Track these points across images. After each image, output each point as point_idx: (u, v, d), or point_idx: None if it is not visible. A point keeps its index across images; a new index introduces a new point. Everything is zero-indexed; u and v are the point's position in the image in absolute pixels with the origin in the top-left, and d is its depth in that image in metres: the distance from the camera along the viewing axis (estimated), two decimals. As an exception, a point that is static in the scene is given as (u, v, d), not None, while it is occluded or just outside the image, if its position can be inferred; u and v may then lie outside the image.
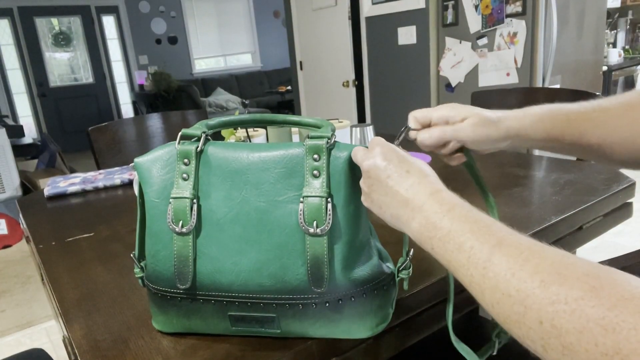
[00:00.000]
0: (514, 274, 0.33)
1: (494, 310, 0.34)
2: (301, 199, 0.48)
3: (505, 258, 0.34)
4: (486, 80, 2.63)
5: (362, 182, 0.48)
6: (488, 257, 0.35)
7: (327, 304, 0.50)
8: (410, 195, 0.44)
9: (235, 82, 7.32)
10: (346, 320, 0.51)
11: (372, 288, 0.51)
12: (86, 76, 6.69)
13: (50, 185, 1.25)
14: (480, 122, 0.58)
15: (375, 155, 0.47)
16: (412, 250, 0.54)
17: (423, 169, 0.46)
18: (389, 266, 0.54)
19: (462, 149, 0.60)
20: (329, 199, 0.48)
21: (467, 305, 0.68)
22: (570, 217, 0.80)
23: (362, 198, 0.49)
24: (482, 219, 0.40)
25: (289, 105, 6.69)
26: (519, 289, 0.32)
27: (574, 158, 1.26)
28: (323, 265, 0.48)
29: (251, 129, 1.18)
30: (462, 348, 0.52)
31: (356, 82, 3.41)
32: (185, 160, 0.52)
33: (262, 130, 1.19)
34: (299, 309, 0.50)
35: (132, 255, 0.57)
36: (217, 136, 0.68)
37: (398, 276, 0.54)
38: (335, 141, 0.50)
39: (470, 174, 0.61)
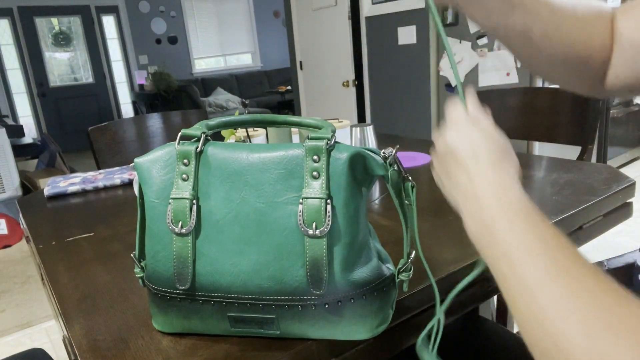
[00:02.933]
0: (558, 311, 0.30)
1: (525, 337, 0.32)
2: (300, 200, 0.48)
3: (556, 289, 0.31)
4: (486, 80, 2.63)
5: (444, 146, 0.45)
6: (537, 285, 0.32)
7: (327, 306, 0.50)
8: (478, 191, 0.41)
9: (235, 82, 7.32)
10: (346, 322, 0.51)
11: (371, 289, 0.51)
12: (86, 76, 6.69)
13: (50, 185, 1.25)
14: None
15: (473, 134, 0.43)
16: (413, 252, 0.54)
17: (503, 156, 0.43)
18: (388, 267, 0.54)
19: None
20: (329, 201, 0.48)
21: (467, 305, 0.68)
22: (570, 217, 0.80)
23: (435, 162, 0.47)
24: (545, 235, 0.36)
25: (289, 105, 6.69)
26: (557, 332, 0.29)
27: (574, 158, 1.26)
28: (322, 267, 0.48)
29: (251, 129, 1.18)
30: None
31: (356, 82, 3.41)
32: (185, 161, 0.52)
33: (262, 131, 1.19)
34: (298, 311, 0.50)
35: (132, 255, 0.57)
36: (217, 136, 0.68)
37: (398, 278, 0.54)
38: (335, 142, 0.50)
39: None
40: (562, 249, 0.34)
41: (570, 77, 0.59)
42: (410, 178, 0.52)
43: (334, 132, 0.51)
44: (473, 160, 0.43)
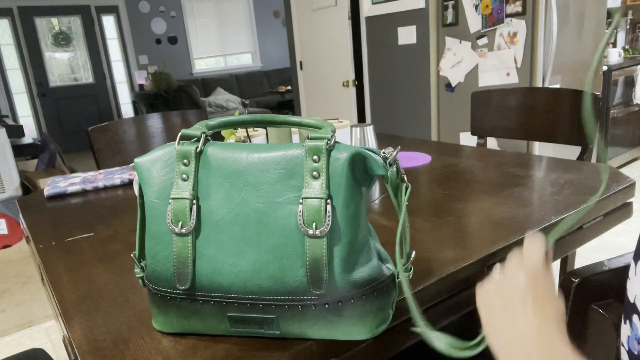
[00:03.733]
0: None
1: None
2: (300, 200, 0.48)
3: None
4: (486, 80, 2.63)
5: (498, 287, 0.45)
6: None
7: (327, 306, 0.50)
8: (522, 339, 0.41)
9: (235, 82, 7.32)
10: (346, 322, 0.51)
11: (371, 290, 0.51)
12: (86, 76, 6.69)
13: (50, 185, 1.25)
14: None
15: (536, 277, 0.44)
16: (413, 252, 0.54)
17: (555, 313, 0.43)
18: (388, 267, 0.54)
19: None
20: (329, 201, 0.48)
21: (467, 305, 0.68)
22: (570, 217, 0.80)
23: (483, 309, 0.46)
24: None
25: (289, 105, 6.69)
26: None
27: (574, 158, 1.26)
28: (322, 267, 0.48)
29: (251, 129, 1.18)
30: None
31: (356, 82, 3.41)
32: (185, 161, 0.52)
33: (262, 131, 1.19)
34: (298, 311, 0.50)
35: (132, 255, 0.57)
36: (217, 136, 0.68)
37: (398, 278, 0.54)
38: (335, 142, 0.50)
39: None
40: None
41: None
42: (405, 179, 0.52)
43: (334, 132, 0.51)
44: (530, 305, 0.42)
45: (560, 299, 0.44)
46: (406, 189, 0.52)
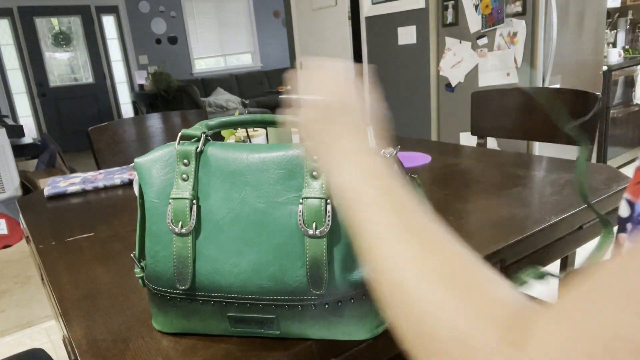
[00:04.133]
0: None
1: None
2: (300, 200, 0.48)
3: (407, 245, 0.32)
4: (486, 80, 2.63)
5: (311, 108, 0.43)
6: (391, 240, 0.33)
7: (327, 306, 0.50)
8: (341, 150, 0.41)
9: (235, 82, 7.32)
10: (346, 322, 0.51)
11: (372, 290, 0.51)
12: (86, 76, 6.69)
13: (50, 185, 1.25)
14: None
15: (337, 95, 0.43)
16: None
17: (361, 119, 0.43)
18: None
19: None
20: (329, 201, 0.48)
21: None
22: (570, 217, 0.80)
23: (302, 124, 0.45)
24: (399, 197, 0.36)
25: (289, 105, 6.67)
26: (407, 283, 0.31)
27: (574, 158, 1.26)
28: (322, 267, 0.48)
29: (251, 129, 1.18)
30: None
31: (356, 82, 3.41)
32: (185, 161, 0.52)
33: (262, 130, 1.19)
34: (298, 311, 0.50)
35: (132, 255, 0.57)
36: (217, 136, 0.68)
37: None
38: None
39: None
40: (412, 210, 0.35)
41: None
42: (414, 176, 0.52)
43: None
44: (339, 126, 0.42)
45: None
46: (419, 185, 0.52)
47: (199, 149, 0.52)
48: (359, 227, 0.36)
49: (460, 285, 0.29)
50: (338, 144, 0.41)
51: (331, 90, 0.44)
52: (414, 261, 0.31)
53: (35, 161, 3.67)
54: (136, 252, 0.57)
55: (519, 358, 0.23)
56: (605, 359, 0.20)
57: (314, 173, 0.49)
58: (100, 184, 1.24)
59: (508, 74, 2.52)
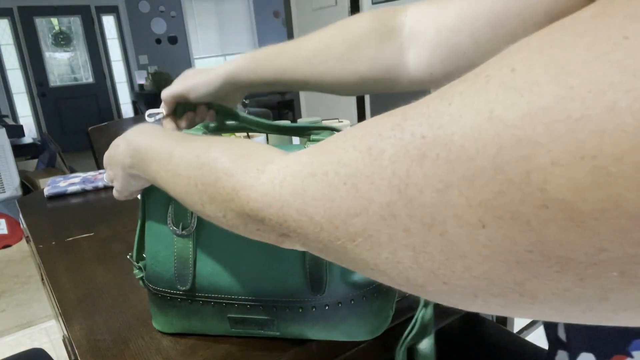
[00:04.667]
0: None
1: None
2: (301, 201, 0.48)
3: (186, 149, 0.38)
4: (486, 80, 2.63)
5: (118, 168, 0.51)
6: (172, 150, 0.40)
7: (327, 307, 0.50)
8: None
9: (235, 82, 7.31)
10: (346, 323, 0.51)
11: (371, 290, 0.51)
12: (86, 76, 6.69)
13: (50, 185, 1.25)
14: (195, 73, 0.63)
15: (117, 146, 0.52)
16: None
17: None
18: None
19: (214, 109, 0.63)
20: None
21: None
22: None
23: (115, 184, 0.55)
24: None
25: (289, 105, 6.68)
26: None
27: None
28: (322, 269, 0.48)
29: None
30: None
31: (356, 82, 3.41)
32: (185, 161, 0.52)
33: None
34: (298, 312, 0.50)
35: (128, 256, 0.57)
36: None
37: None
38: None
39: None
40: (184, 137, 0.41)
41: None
42: None
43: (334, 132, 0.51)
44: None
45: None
46: None
47: (199, 150, 0.52)
48: (162, 174, 0.41)
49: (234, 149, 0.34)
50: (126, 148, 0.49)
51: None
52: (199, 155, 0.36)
53: (35, 161, 3.67)
54: (134, 253, 0.57)
55: (259, 178, 0.29)
56: (322, 180, 0.24)
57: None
58: (100, 184, 1.24)
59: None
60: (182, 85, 0.63)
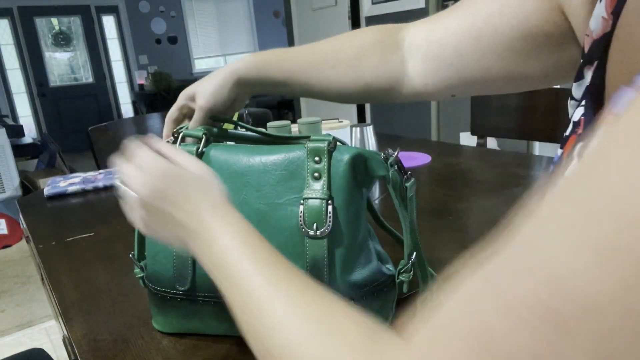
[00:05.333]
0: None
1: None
2: (301, 201, 0.48)
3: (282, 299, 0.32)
4: (486, 80, 2.62)
5: (138, 207, 0.41)
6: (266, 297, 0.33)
7: (327, 305, 0.50)
8: (191, 221, 0.39)
9: (235, 82, 7.31)
10: (346, 322, 0.51)
11: (371, 290, 0.51)
12: (86, 76, 6.69)
13: (50, 185, 1.25)
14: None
15: (154, 179, 0.41)
16: (414, 253, 0.54)
17: (203, 183, 0.42)
18: (389, 268, 0.54)
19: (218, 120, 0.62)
20: (330, 201, 0.48)
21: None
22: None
23: (140, 226, 0.42)
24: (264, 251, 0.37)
25: (289, 105, 6.68)
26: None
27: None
28: (322, 268, 0.48)
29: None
30: None
31: (356, 82, 3.41)
32: (186, 161, 0.52)
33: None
34: (299, 310, 0.50)
35: (131, 255, 0.57)
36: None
37: (398, 279, 0.54)
38: (336, 144, 0.50)
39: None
40: (280, 263, 0.36)
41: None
42: (412, 176, 0.52)
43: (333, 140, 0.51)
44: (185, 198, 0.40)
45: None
46: (414, 183, 0.52)
47: (200, 150, 0.52)
48: (240, 292, 0.35)
49: (324, 322, 0.30)
50: (191, 218, 0.39)
51: (145, 183, 0.41)
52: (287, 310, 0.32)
53: (35, 161, 3.67)
54: (135, 252, 0.57)
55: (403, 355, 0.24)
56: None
57: (315, 174, 0.49)
58: (100, 184, 1.24)
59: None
60: (187, 91, 0.62)
